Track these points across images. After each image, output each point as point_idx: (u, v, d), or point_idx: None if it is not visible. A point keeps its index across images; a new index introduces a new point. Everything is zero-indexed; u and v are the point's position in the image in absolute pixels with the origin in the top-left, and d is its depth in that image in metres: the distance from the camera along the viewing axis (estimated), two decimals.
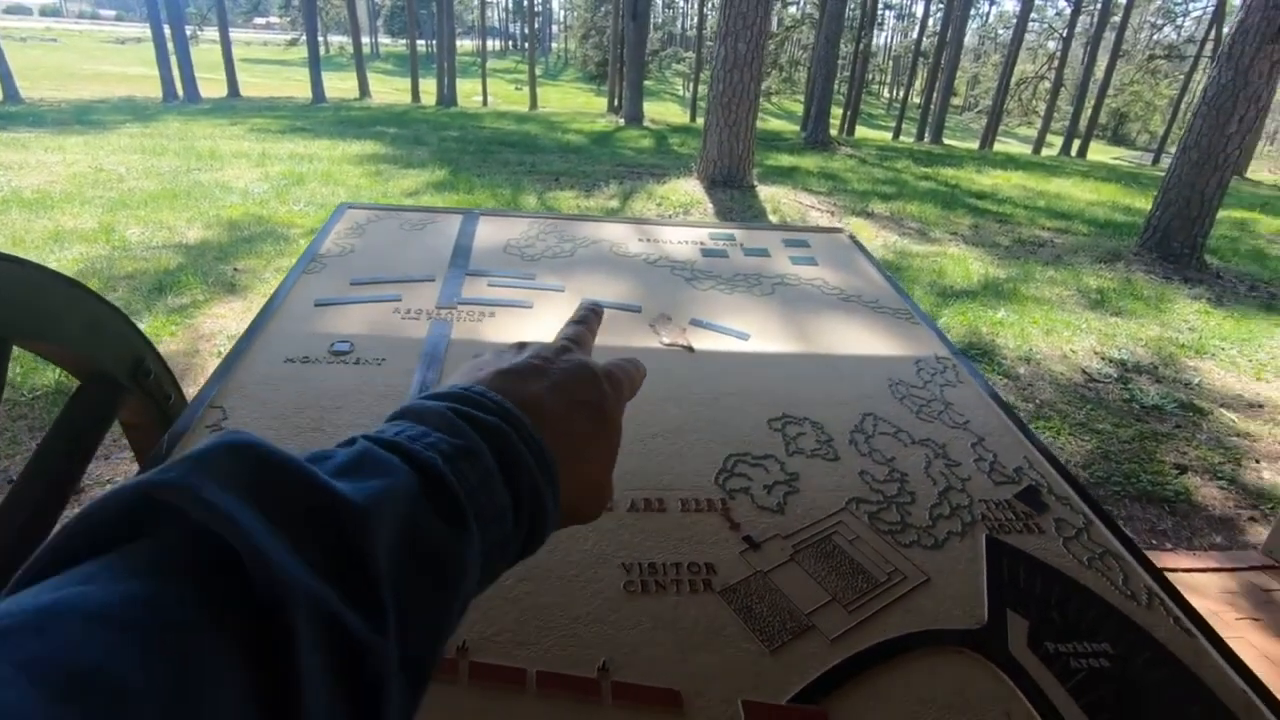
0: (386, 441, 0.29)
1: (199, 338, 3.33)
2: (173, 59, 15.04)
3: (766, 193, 7.45)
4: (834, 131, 15.76)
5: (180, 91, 15.40)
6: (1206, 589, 1.97)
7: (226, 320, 3.53)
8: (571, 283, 1.23)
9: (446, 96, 19.74)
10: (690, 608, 0.63)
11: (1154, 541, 2.36)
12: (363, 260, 1.25)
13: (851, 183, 8.91)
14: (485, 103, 23.34)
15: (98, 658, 0.16)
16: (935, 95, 20.63)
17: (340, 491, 0.24)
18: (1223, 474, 2.79)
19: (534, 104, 22.01)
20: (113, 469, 2.29)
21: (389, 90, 25.01)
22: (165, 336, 3.29)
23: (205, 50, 23.58)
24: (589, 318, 0.48)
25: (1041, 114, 23.87)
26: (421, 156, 8.71)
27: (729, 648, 0.60)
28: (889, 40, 50.54)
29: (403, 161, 8.31)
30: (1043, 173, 11.92)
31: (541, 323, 1.09)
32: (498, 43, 59.33)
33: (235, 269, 4.29)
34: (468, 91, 25.15)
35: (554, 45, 58.53)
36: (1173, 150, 6.01)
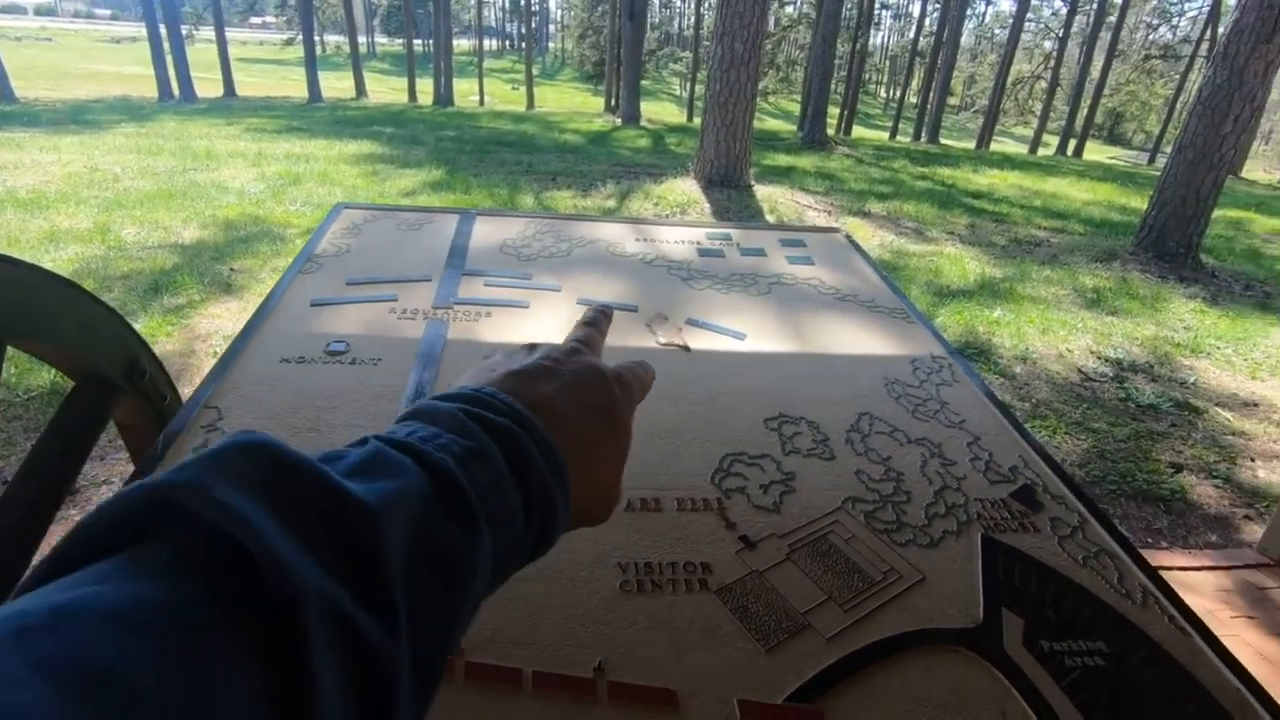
0: (398, 442, 0.29)
1: (194, 338, 3.33)
2: (168, 58, 14.98)
3: (763, 192, 7.45)
4: (831, 131, 15.77)
5: (176, 91, 15.33)
6: (1201, 587, 1.97)
7: (222, 320, 3.52)
8: (568, 283, 1.23)
9: (443, 96, 19.70)
10: (686, 607, 0.63)
11: (1149, 540, 2.36)
12: (359, 260, 1.25)
13: (848, 182, 8.92)
14: (482, 102, 23.30)
15: (112, 658, 0.17)
16: (932, 95, 20.67)
17: (353, 492, 0.24)
18: (1218, 472, 2.80)
19: (531, 104, 21.98)
20: (108, 469, 2.28)
21: (385, 90, 24.95)
22: (161, 337, 3.28)
23: (201, 50, 23.57)
24: (599, 320, 0.48)
25: (1038, 114, 23.94)
26: (418, 156, 8.70)
27: (725, 647, 0.60)
28: (886, 40, 50.57)
29: (399, 161, 8.29)
30: (1039, 172, 11.94)
31: (538, 323, 1.09)
32: (494, 42, 59.26)
33: (231, 269, 4.27)
34: (464, 91, 25.10)
35: (551, 45, 58.52)
36: (1168, 150, 6.01)
